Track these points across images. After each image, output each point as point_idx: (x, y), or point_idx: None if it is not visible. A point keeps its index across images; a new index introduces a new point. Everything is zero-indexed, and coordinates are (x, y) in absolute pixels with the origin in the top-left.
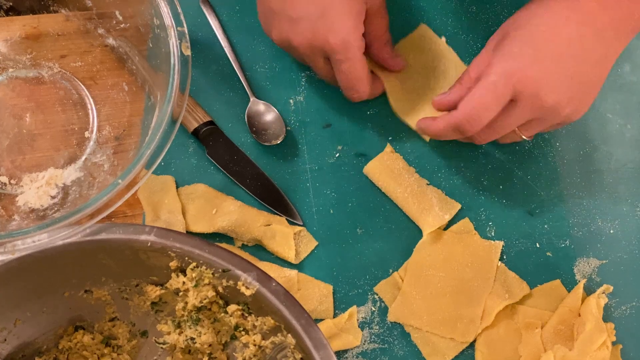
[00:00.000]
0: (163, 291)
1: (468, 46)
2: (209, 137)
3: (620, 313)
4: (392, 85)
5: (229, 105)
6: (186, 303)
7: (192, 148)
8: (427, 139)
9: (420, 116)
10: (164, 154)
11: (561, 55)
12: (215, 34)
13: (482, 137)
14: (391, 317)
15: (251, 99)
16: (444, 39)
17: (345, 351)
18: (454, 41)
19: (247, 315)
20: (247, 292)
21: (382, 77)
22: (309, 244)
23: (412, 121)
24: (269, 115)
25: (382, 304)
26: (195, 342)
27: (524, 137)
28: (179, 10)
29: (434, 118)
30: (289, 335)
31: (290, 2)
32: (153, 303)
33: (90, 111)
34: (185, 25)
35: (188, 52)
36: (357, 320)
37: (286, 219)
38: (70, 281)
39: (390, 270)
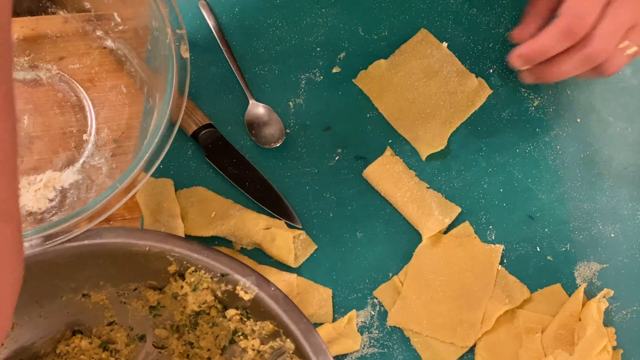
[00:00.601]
0: (161, 295)
1: (469, 48)
2: (208, 140)
3: (621, 317)
4: (385, 106)
5: (228, 107)
6: (185, 307)
7: (191, 151)
8: (424, 156)
9: (420, 132)
10: (162, 156)
11: None
12: (214, 36)
13: (595, 44)
14: (391, 322)
15: (250, 102)
16: (445, 44)
17: (345, 355)
18: (454, 44)
19: (245, 319)
20: (246, 297)
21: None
22: (309, 247)
23: (411, 137)
24: (268, 117)
25: (382, 308)
26: (194, 347)
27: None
28: (178, 12)
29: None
30: (288, 340)
31: None
32: (151, 307)
33: (88, 114)
34: (184, 27)
35: (187, 55)
36: (357, 324)
37: (285, 223)
38: (68, 285)
39: (390, 274)
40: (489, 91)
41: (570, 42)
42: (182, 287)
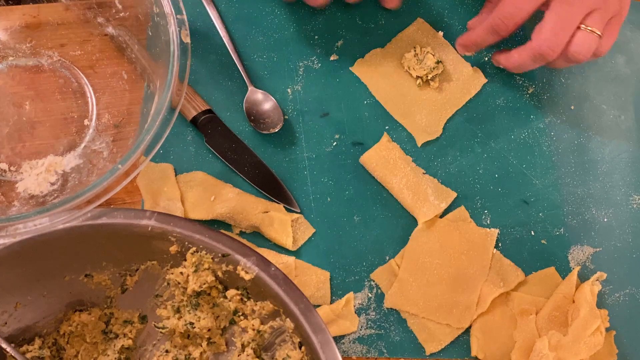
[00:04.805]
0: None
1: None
2: (207, 126)
3: (614, 300)
4: (381, 94)
5: (228, 94)
6: (185, 288)
7: (191, 136)
8: (420, 143)
9: (416, 119)
10: (162, 141)
11: None
12: (213, 23)
13: (550, 48)
14: (387, 304)
15: (249, 88)
16: (441, 33)
17: (342, 337)
18: (450, 33)
19: (246, 299)
20: (247, 277)
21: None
22: (307, 231)
23: (408, 124)
24: (267, 104)
25: (379, 291)
26: (194, 327)
27: (597, 32)
28: None
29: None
30: (288, 319)
31: None
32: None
33: (89, 99)
34: (184, 12)
35: (187, 40)
36: (354, 306)
37: (284, 207)
38: (71, 265)
39: (387, 257)
40: (483, 80)
41: (497, 38)
42: (181, 273)
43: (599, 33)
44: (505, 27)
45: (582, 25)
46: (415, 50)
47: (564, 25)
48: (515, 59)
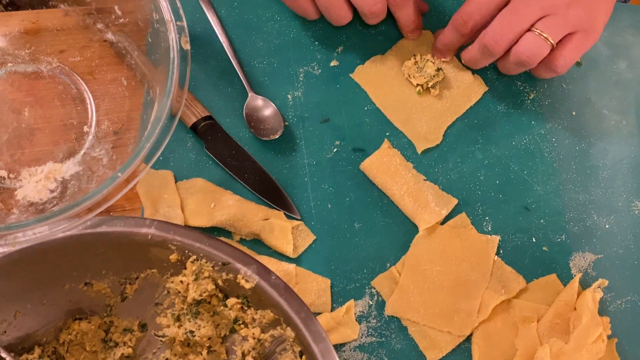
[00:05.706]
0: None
1: (465, 45)
2: (207, 132)
3: (616, 307)
4: (382, 101)
5: (228, 100)
6: (186, 296)
7: (191, 143)
8: (420, 150)
9: (417, 126)
10: (162, 148)
11: None
12: (213, 29)
13: (494, 40)
14: (388, 311)
15: (249, 94)
16: None
17: (343, 345)
18: None
19: (246, 308)
20: (247, 286)
21: (370, 93)
22: (307, 238)
23: (408, 130)
24: (267, 110)
25: (380, 298)
26: (195, 335)
27: (549, 39)
28: (178, 4)
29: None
30: (288, 328)
31: None
32: None
33: (89, 106)
34: (184, 19)
35: (187, 47)
36: (355, 314)
37: (284, 214)
38: (70, 274)
39: (388, 265)
40: (484, 88)
41: (462, 37)
42: (181, 281)
43: (552, 41)
44: (464, 24)
45: (534, 28)
46: (415, 58)
47: (513, 20)
48: (468, 52)
